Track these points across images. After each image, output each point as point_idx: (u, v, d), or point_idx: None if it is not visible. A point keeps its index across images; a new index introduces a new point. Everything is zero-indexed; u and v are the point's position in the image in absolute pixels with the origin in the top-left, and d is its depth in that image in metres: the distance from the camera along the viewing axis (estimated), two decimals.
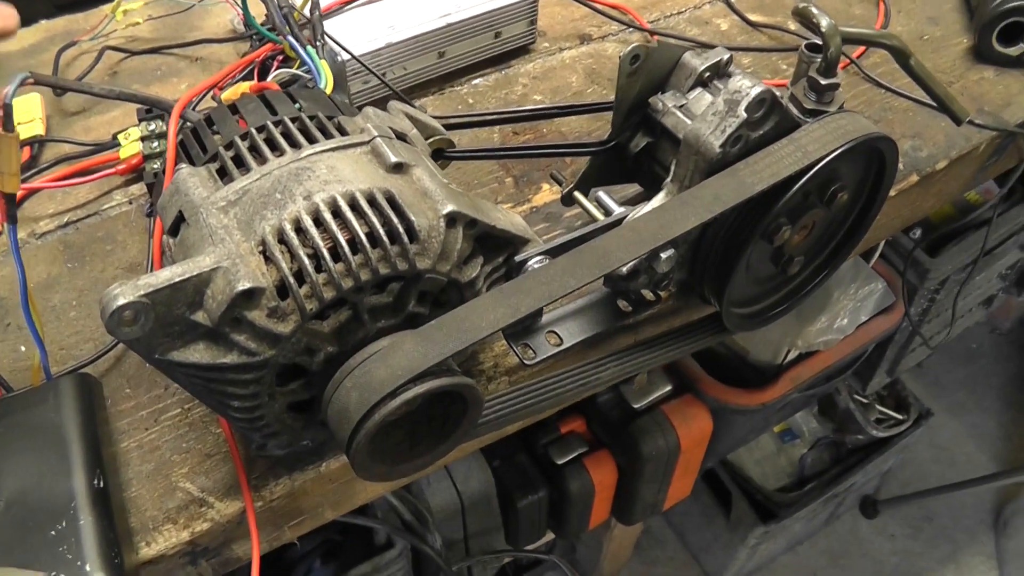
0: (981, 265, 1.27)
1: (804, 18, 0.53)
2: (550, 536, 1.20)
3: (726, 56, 0.54)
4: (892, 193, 0.69)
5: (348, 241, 0.42)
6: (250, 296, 0.41)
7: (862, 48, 0.78)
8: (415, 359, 0.42)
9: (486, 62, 0.78)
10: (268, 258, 0.42)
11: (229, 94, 0.61)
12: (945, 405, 2.00)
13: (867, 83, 0.76)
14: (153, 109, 0.69)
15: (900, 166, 0.70)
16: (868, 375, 1.45)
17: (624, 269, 0.52)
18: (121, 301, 0.39)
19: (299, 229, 0.42)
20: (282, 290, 0.42)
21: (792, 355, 1.13)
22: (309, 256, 0.42)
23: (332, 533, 1.00)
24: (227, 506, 0.51)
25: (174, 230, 0.46)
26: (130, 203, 0.68)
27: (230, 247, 0.42)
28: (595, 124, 0.72)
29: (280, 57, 0.71)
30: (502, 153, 0.61)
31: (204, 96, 0.63)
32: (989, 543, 1.81)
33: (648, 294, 0.59)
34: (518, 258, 0.50)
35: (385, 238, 0.42)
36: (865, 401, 1.59)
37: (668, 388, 1.10)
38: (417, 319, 0.46)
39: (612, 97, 0.55)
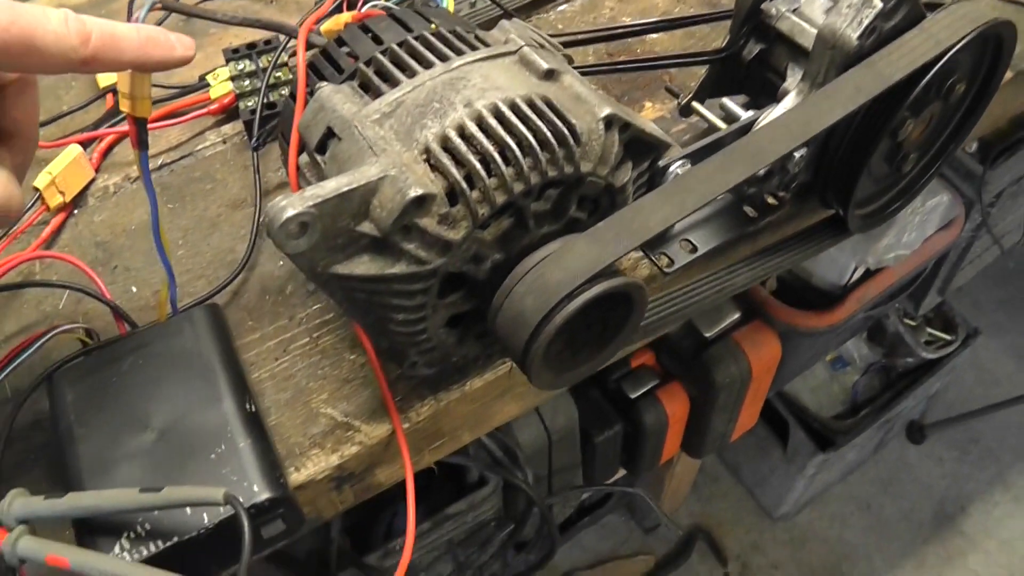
0: None
1: None
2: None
3: None
4: None
5: (517, 146, 0.42)
6: (421, 203, 0.41)
7: None
8: (590, 260, 0.42)
9: None
10: (434, 166, 0.42)
11: (329, 25, 0.61)
12: (985, 326, 2.02)
13: None
14: (240, 49, 0.69)
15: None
16: (920, 296, 1.46)
17: (762, 170, 0.53)
18: (290, 213, 0.39)
19: (464, 136, 0.42)
20: (451, 196, 0.42)
21: (856, 275, 1.14)
22: (479, 162, 0.42)
23: (417, 478, 1.01)
24: (374, 429, 0.52)
25: (321, 147, 0.46)
26: (224, 142, 0.68)
27: (393, 156, 0.42)
28: (688, 41, 0.72)
29: None
30: (621, 67, 0.61)
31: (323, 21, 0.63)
32: None
33: (771, 199, 0.59)
34: (661, 163, 0.50)
35: (553, 140, 0.42)
36: (914, 324, 1.61)
37: (737, 315, 1.11)
38: (577, 225, 0.46)
39: (700, 12, 0.56)
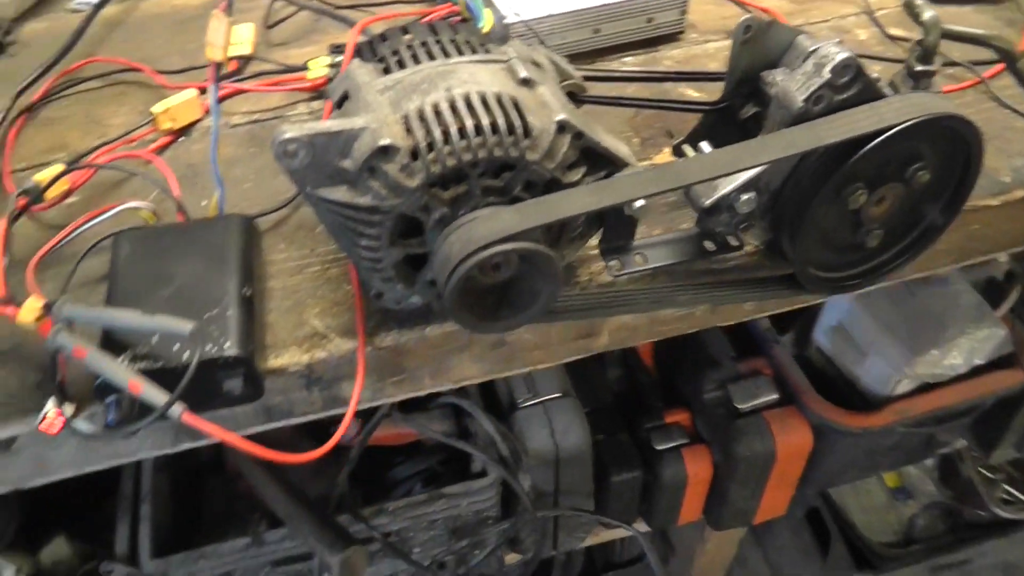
0: None
1: (909, 8, 0.63)
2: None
3: (841, 54, 0.64)
4: (995, 202, 0.77)
5: (474, 126, 0.54)
6: (387, 151, 0.54)
7: (997, 68, 0.85)
8: (510, 223, 0.54)
9: (636, 43, 0.90)
10: (408, 129, 0.55)
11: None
12: None
13: (993, 102, 0.83)
14: (342, 46, 0.85)
15: (1007, 179, 0.77)
16: (992, 441, 1.46)
17: (707, 202, 0.63)
18: (288, 135, 0.53)
19: (436, 111, 0.55)
20: (414, 154, 0.54)
21: (903, 388, 1.18)
22: (441, 133, 0.54)
23: (434, 463, 1.14)
24: (343, 343, 0.65)
25: (339, 104, 0.61)
26: (311, 113, 0.84)
27: (379, 115, 0.56)
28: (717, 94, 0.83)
29: (456, 19, 0.85)
30: (624, 102, 0.73)
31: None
32: None
33: (733, 240, 0.69)
34: (616, 176, 0.61)
35: (504, 128, 0.55)
36: (991, 476, 1.60)
37: (774, 396, 1.18)
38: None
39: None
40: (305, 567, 1.05)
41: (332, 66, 0.83)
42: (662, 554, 1.65)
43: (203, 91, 0.83)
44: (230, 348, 0.58)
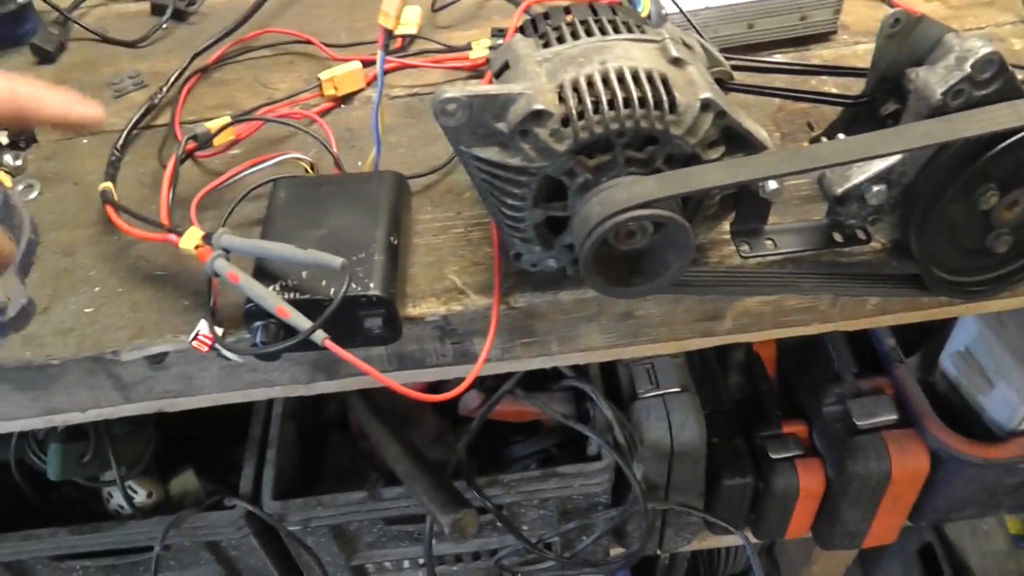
0: None
1: None
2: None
3: (985, 48, 0.65)
4: None
5: (623, 98, 0.58)
6: (540, 115, 0.58)
7: None
8: (649, 190, 0.58)
9: (788, 41, 0.92)
10: (561, 98, 0.59)
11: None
12: None
13: None
14: (504, 29, 0.90)
15: None
16: None
17: (839, 190, 0.65)
18: (449, 95, 0.58)
19: (590, 82, 0.59)
20: (565, 120, 0.59)
21: None
22: (592, 102, 0.59)
23: (551, 445, 1.18)
24: (479, 299, 0.69)
25: (499, 74, 0.65)
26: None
27: (536, 83, 0.60)
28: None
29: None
30: (767, 92, 0.75)
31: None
32: None
33: (861, 234, 0.71)
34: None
35: (651, 102, 0.58)
36: None
37: (894, 416, 1.17)
38: None
39: None
40: (416, 528, 1.10)
41: (493, 47, 0.88)
42: (767, 571, 1.65)
43: (367, 64, 0.90)
44: (374, 288, 0.64)
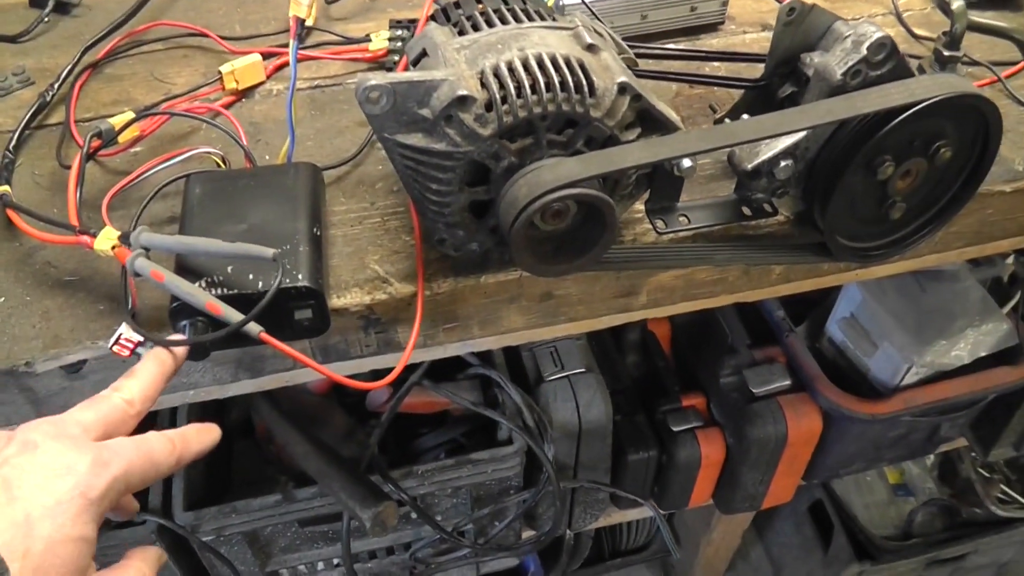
0: None
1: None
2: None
3: (877, 33, 0.69)
4: (1008, 189, 0.82)
5: (544, 83, 0.60)
6: (464, 101, 0.59)
7: (1014, 68, 0.91)
8: (574, 170, 0.60)
9: (679, 31, 0.96)
10: (483, 83, 0.60)
11: None
12: None
13: (1009, 100, 0.89)
14: (403, 21, 0.91)
15: (1020, 168, 0.83)
16: (990, 440, 1.51)
17: (749, 165, 0.69)
18: (372, 82, 0.59)
19: (511, 68, 0.61)
20: (488, 106, 0.60)
21: (910, 379, 1.24)
22: (515, 87, 0.60)
23: (459, 435, 1.19)
24: (403, 287, 0.70)
25: (416, 62, 0.66)
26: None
27: (457, 70, 0.61)
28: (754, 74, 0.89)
29: None
30: (672, 77, 0.79)
31: None
32: None
33: (768, 207, 0.75)
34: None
35: (572, 86, 0.60)
36: (988, 476, 1.66)
37: (787, 382, 1.24)
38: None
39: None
40: (331, 528, 1.10)
41: (392, 39, 0.89)
42: (666, 545, 1.70)
43: (266, 56, 0.89)
44: (303, 279, 0.63)
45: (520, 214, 0.60)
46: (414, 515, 1.10)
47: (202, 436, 0.61)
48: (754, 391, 1.23)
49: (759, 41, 0.96)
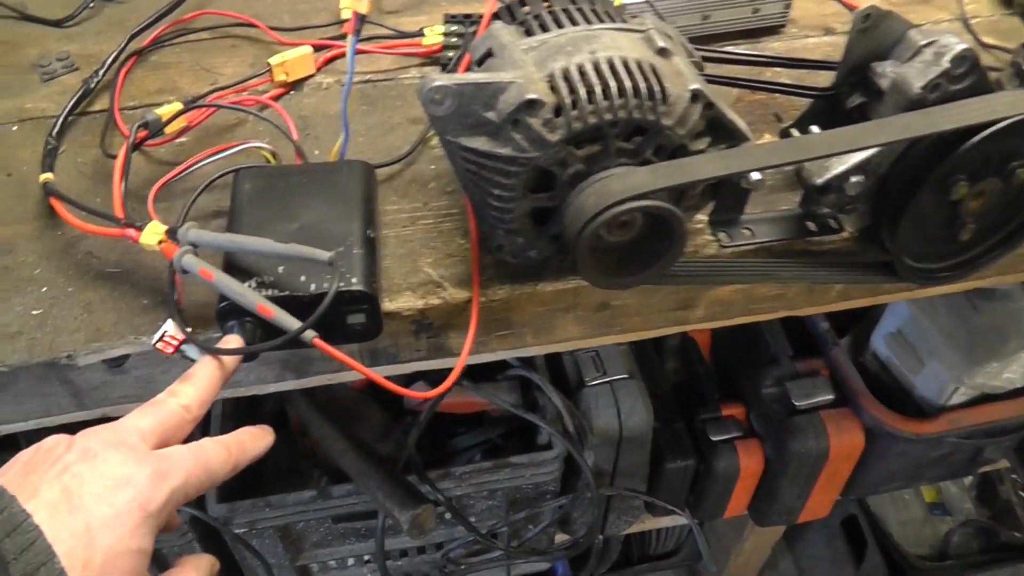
0: None
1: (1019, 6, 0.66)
2: None
3: (960, 45, 0.67)
4: None
5: (616, 88, 0.58)
6: (532, 105, 0.57)
7: None
8: (644, 181, 0.58)
9: (740, 33, 0.93)
10: (552, 86, 0.58)
11: None
12: None
13: None
14: (458, 16, 0.89)
15: None
16: None
17: (819, 180, 0.66)
18: (437, 83, 0.57)
19: (581, 72, 0.58)
20: (557, 111, 0.58)
21: (957, 399, 1.21)
22: (585, 92, 0.58)
23: (496, 436, 1.17)
24: (457, 293, 0.68)
25: (480, 62, 0.64)
26: (422, 78, 0.87)
27: (526, 72, 0.59)
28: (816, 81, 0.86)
29: None
30: (736, 83, 0.76)
31: None
32: None
33: (833, 223, 0.72)
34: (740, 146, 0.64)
35: (645, 92, 0.58)
36: None
37: (830, 396, 1.21)
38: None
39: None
40: (364, 525, 1.09)
41: (447, 34, 0.87)
42: (696, 551, 1.68)
43: (317, 49, 0.87)
44: (356, 283, 0.61)
45: (588, 225, 0.58)
46: (448, 515, 1.08)
47: (256, 441, 0.60)
48: (796, 404, 1.20)
49: (821, 46, 0.94)
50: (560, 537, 1.26)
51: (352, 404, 1.12)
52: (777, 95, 0.85)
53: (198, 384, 0.57)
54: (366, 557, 1.16)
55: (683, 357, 1.33)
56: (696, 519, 1.30)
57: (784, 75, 0.88)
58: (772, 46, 0.93)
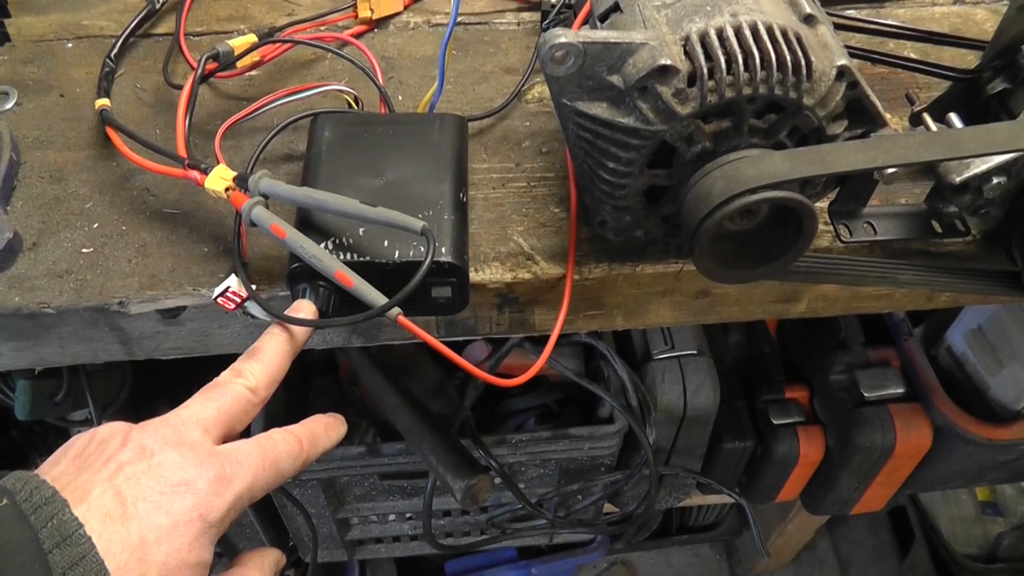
0: None
1: None
2: None
3: None
4: None
5: (760, 59, 0.51)
6: (665, 72, 0.51)
7: None
8: (781, 170, 0.51)
9: None
10: (687, 51, 0.52)
11: None
12: None
13: None
14: None
15: None
16: None
17: (958, 179, 0.59)
18: (561, 40, 0.50)
19: (720, 36, 0.52)
20: (690, 79, 0.51)
21: None
22: (725, 60, 0.51)
23: (551, 401, 1.12)
24: (550, 268, 0.62)
25: (604, 17, 0.57)
26: (518, 24, 0.80)
27: (659, 33, 0.52)
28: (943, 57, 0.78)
29: None
30: (865, 54, 0.69)
31: None
32: None
33: (960, 225, 0.65)
34: (873, 135, 0.58)
35: (790, 65, 0.51)
36: None
37: (901, 390, 1.15)
38: (782, 149, 0.55)
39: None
40: (410, 484, 1.04)
41: None
42: (736, 527, 1.64)
43: None
44: (446, 254, 0.56)
45: (714, 212, 0.51)
46: (498, 480, 1.03)
47: (331, 433, 0.54)
48: (865, 394, 1.14)
49: (949, 16, 0.85)
50: (607, 509, 1.21)
51: (405, 356, 1.07)
52: (900, 71, 0.78)
53: (267, 361, 0.52)
54: (408, 515, 1.12)
55: (749, 332, 1.27)
56: (747, 501, 1.24)
57: (908, 47, 0.81)
58: (896, 12, 0.85)
